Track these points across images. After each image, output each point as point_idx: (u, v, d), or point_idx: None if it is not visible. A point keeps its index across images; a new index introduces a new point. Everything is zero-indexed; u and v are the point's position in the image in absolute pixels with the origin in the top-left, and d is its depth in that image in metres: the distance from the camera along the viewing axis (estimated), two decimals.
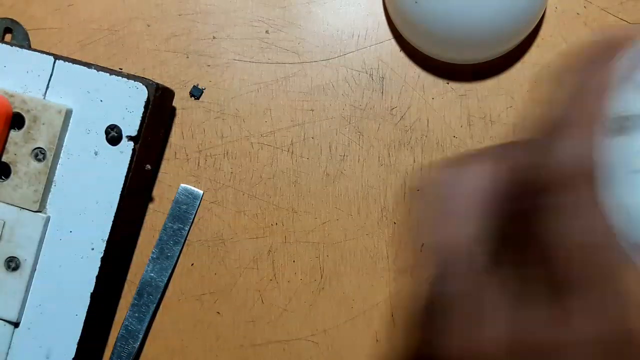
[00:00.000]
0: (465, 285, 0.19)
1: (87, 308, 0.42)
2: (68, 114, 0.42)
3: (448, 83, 0.46)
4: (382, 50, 0.47)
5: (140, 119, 0.42)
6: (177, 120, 0.47)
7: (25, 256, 0.42)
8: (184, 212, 0.46)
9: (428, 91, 0.46)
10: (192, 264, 0.46)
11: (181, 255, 0.46)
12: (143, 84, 0.42)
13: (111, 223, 0.42)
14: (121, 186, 0.42)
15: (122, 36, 0.48)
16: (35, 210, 0.42)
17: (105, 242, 0.42)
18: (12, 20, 0.47)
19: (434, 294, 0.21)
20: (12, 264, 0.42)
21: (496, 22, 0.41)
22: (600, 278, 0.16)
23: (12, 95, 0.42)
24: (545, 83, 0.46)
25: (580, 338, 0.16)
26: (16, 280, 0.42)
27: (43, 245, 0.43)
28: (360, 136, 0.46)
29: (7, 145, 0.42)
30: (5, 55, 0.43)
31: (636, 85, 0.18)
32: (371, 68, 0.46)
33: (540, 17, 0.44)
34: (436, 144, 0.46)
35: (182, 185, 0.47)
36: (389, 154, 0.46)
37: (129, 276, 0.47)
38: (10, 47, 0.44)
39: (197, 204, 0.46)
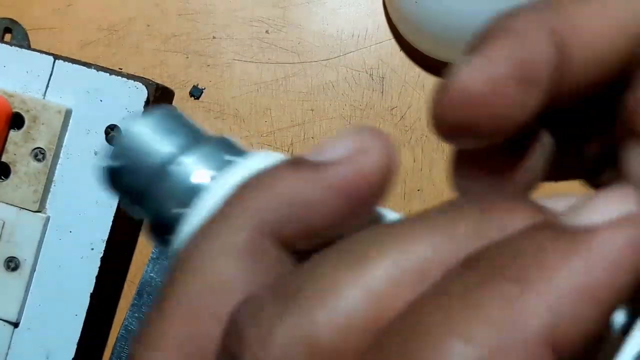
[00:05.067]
0: None
1: (87, 308, 0.42)
2: (68, 114, 0.42)
3: None
4: (382, 50, 0.47)
5: None
6: None
7: (25, 256, 0.42)
8: None
9: (428, 91, 0.46)
10: None
11: None
12: (143, 84, 0.42)
13: (111, 223, 0.42)
14: None
15: (122, 36, 0.48)
16: (35, 210, 0.42)
17: (105, 242, 0.42)
18: (11, 20, 0.47)
19: None
20: (12, 264, 0.42)
21: None
22: None
23: (11, 95, 0.42)
24: None
25: None
26: (16, 280, 0.42)
27: (43, 245, 0.43)
28: None
29: (7, 145, 0.42)
30: (5, 55, 0.43)
31: None
32: (371, 68, 0.46)
33: None
34: (436, 144, 0.46)
35: None
36: None
37: (129, 276, 0.47)
38: (10, 47, 0.44)
39: None
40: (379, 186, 0.14)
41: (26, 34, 0.47)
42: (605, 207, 0.12)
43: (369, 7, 0.47)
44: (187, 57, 0.47)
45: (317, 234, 0.14)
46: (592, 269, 0.11)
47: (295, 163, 0.15)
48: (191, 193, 0.17)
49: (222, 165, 0.17)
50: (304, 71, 0.47)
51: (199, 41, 0.47)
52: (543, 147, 0.17)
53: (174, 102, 0.46)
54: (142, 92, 0.42)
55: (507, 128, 0.15)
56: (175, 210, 0.17)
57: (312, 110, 0.47)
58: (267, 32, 0.47)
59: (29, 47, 0.44)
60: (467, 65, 0.15)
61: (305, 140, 0.46)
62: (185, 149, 0.17)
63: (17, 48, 0.44)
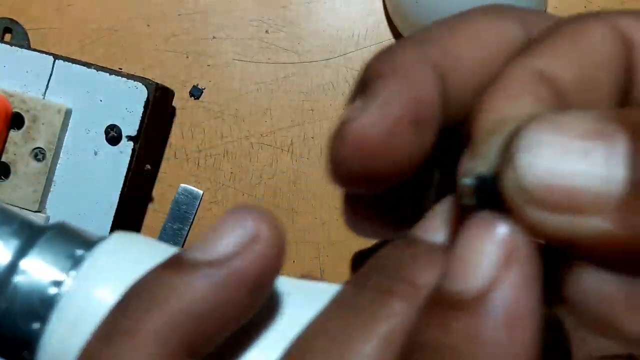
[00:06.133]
0: None
1: None
2: (67, 113, 0.42)
3: None
4: None
5: (140, 119, 0.42)
6: (177, 120, 0.47)
7: None
8: (183, 212, 0.46)
9: None
10: None
11: None
12: (143, 84, 0.42)
13: (111, 223, 0.42)
14: (121, 186, 0.42)
15: (122, 36, 0.48)
16: (34, 210, 0.42)
17: None
18: (11, 20, 0.47)
19: None
20: None
21: None
22: None
23: (11, 95, 0.42)
24: None
25: None
26: None
27: None
28: None
29: (7, 145, 0.42)
30: (5, 55, 0.43)
31: None
32: None
33: None
34: None
35: (182, 185, 0.47)
36: None
37: None
38: (10, 47, 0.44)
39: (197, 204, 0.46)
40: (278, 267, 0.14)
41: (26, 34, 0.47)
42: (482, 257, 0.11)
43: (369, 7, 0.47)
44: (187, 57, 0.47)
45: (227, 334, 0.14)
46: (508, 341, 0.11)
47: (190, 265, 0.13)
48: (46, 302, 0.14)
49: (72, 263, 0.15)
50: (304, 71, 0.47)
51: (199, 41, 0.47)
52: (433, 182, 0.17)
53: (174, 102, 0.46)
54: (142, 92, 0.42)
55: (406, 171, 0.14)
56: (29, 326, 0.14)
57: (312, 110, 0.47)
58: (267, 32, 0.47)
59: (29, 47, 0.44)
60: (362, 110, 0.14)
61: (305, 140, 0.46)
62: (22, 250, 0.15)
63: (17, 48, 0.44)
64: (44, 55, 0.43)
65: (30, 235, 0.15)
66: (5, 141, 0.42)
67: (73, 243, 0.15)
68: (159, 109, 0.44)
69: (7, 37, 0.47)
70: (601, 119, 0.12)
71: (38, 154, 0.42)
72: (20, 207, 0.42)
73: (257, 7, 0.47)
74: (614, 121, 0.12)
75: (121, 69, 0.46)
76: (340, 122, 0.14)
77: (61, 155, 0.43)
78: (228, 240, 0.14)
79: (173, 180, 0.47)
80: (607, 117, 0.12)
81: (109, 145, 0.42)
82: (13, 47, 0.44)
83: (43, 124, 0.42)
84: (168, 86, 0.45)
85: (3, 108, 0.41)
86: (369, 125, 0.14)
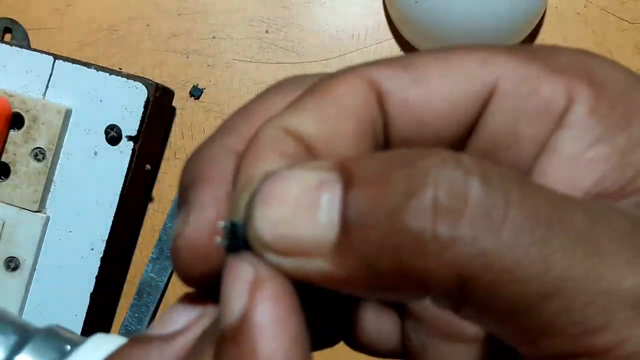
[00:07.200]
0: None
1: (87, 308, 0.42)
2: (67, 113, 0.42)
3: None
4: (382, 50, 0.47)
5: (140, 119, 0.42)
6: (177, 120, 0.47)
7: (25, 256, 0.42)
8: None
9: None
10: None
11: None
12: (143, 84, 0.42)
13: (111, 223, 0.42)
14: (121, 186, 0.42)
15: (122, 36, 0.48)
16: (34, 210, 0.42)
17: (105, 242, 0.42)
18: (12, 20, 0.47)
19: None
20: (12, 264, 0.42)
21: (496, 22, 0.41)
22: None
23: (11, 95, 0.42)
24: None
25: None
26: (16, 280, 0.42)
27: (43, 245, 0.43)
28: None
29: (7, 145, 0.42)
30: (5, 55, 0.43)
31: None
32: None
33: (540, 17, 0.44)
34: None
35: None
36: None
37: (129, 276, 0.47)
38: (10, 47, 0.44)
39: None
40: None
41: (26, 34, 0.47)
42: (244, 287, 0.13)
43: (369, 7, 0.47)
44: (187, 57, 0.47)
45: None
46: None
47: (146, 340, 0.16)
48: None
49: (60, 356, 0.17)
50: (304, 71, 0.47)
51: (199, 41, 0.47)
52: None
53: (174, 102, 0.46)
54: (142, 92, 0.42)
55: None
56: None
57: None
58: (267, 32, 0.47)
59: (29, 47, 0.44)
60: (184, 223, 0.15)
61: None
62: (16, 347, 0.17)
63: (17, 48, 0.44)
64: (44, 55, 0.43)
65: (21, 331, 0.18)
66: (5, 141, 0.42)
67: (62, 339, 0.18)
68: (159, 109, 0.44)
69: (7, 37, 0.47)
70: (323, 169, 0.13)
71: (38, 154, 0.42)
72: (20, 207, 0.42)
73: (257, 7, 0.47)
74: (334, 170, 0.13)
75: (121, 69, 0.46)
76: (172, 238, 0.16)
77: (61, 155, 0.43)
78: (178, 319, 0.16)
79: (173, 180, 0.47)
80: (328, 167, 0.13)
81: (109, 145, 0.42)
82: (13, 47, 0.44)
83: (43, 124, 0.42)
84: (168, 86, 0.45)
85: (3, 108, 0.41)
86: (193, 236, 0.15)
